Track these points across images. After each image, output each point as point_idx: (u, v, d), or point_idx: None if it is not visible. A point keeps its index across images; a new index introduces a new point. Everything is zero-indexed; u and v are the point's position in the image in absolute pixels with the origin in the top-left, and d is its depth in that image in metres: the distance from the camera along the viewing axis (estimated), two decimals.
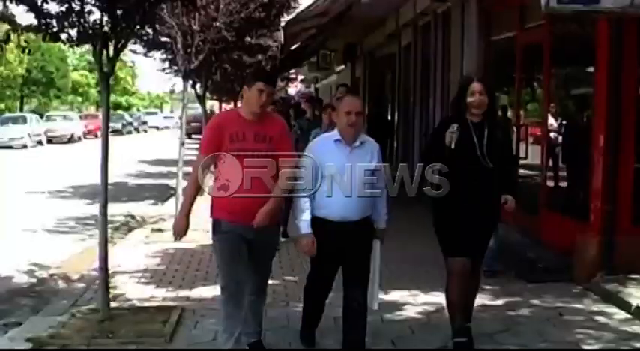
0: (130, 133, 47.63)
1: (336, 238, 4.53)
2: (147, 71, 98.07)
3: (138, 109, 69.71)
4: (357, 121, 4.55)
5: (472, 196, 4.68)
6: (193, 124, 23.81)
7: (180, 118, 11.02)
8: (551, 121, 8.31)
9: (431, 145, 4.90)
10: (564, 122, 8.35)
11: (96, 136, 37.29)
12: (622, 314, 5.82)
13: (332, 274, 4.75)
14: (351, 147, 4.56)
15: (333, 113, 4.72)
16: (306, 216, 4.54)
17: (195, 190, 4.63)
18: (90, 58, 53.06)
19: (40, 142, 33.82)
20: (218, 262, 4.68)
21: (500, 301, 6.18)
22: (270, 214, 4.45)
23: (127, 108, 67.06)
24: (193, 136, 23.73)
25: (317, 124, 8.36)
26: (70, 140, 36.40)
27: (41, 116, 38.12)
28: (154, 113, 67.21)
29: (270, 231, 4.61)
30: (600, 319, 5.70)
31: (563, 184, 8.36)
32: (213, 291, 6.41)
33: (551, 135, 8.27)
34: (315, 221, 4.55)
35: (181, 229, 4.69)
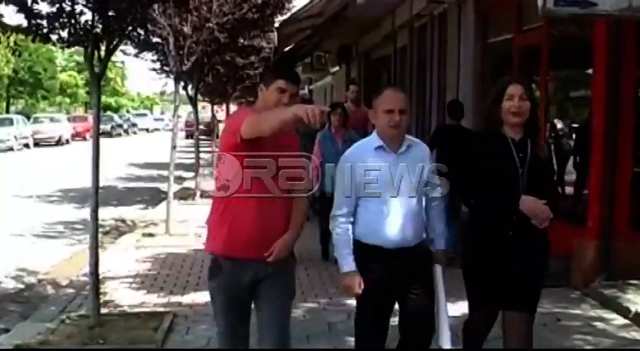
0: (119, 135, 47.54)
1: (389, 271, 3.76)
2: (137, 72, 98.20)
3: (127, 111, 69.60)
4: (402, 122, 3.78)
5: (512, 231, 3.84)
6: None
7: (173, 120, 11.04)
8: (551, 124, 8.36)
9: (466, 168, 3.94)
10: (562, 126, 8.41)
11: (84, 139, 37.28)
12: (621, 320, 5.86)
13: (387, 315, 3.92)
14: (397, 154, 3.80)
15: (370, 112, 3.93)
16: (347, 248, 3.79)
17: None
18: (79, 58, 53.14)
19: (26, 145, 33.70)
20: (217, 318, 3.77)
21: None
22: (292, 244, 3.65)
23: (117, 109, 66.94)
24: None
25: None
26: (58, 143, 36.30)
27: (28, 118, 38.02)
28: (144, 115, 67.10)
29: (288, 263, 3.71)
30: (598, 324, 5.75)
31: (561, 189, 8.42)
32: (205, 296, 6.40)
33: (549, 139, 8.32)
34: (361, 250, 3.80)
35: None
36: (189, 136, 27.38)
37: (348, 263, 3.77)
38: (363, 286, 3.74)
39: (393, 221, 3.74)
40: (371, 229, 3.77)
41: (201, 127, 26.77)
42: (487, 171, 3.82)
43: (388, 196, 3.74)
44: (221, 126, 23.16)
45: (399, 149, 3.81)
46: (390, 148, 3.81)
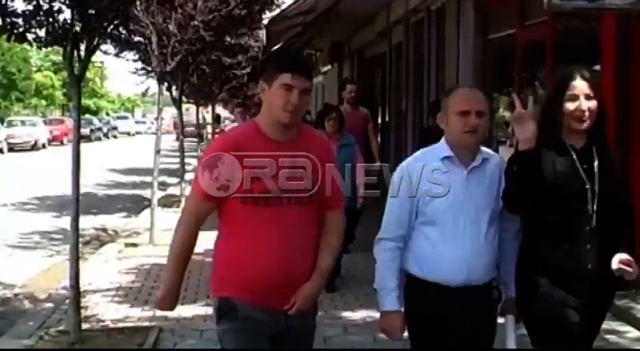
0: (99, 139, 47.51)
1: (448, 313, 3.19)
2: (117, 72, 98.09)
3: (107, 113, 69.54)
4: (479, 127, 3.17)
5: (576, 261, 3.18)
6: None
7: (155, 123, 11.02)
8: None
9: (521, 179, 3.13)
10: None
11: (62, 143, 37.23)
12: (635, 333, 5.85)
13: None
14: (469, 168, 3.20)
15: (438, 116, 3.37)
16: (392, 281, 3.23)
17: (183, 254, 3.16)
18: (55, 58, 52.99)
19: (0, 150, 33.61)
20: None
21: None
22: (317, 294, 3.16)
23: (96, 112, 66.86)
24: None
25: None
26: (34, 147, 36.22)
27: (1, 121, 37.93)
28: (125, 117, 67.07)
29: (310, 314, 3.22)
30: (611, 337, 5.72)
31: None
32: (192, 310, 6.42)
33: None
34: (412, 286, 3.26)
35: (169, 303, 3.20)
36: (183, 137, 27.39)
37: (390, 301, 3.21)
38: (406, 326, 3.24)
39: (459, 253, 3.15)
40: (429, 261, 3.19)
41: (191, 129, 26.80)
42: (545, 188, 3.13)
43: (454, 221, 3.17)
44: (209, 128, 23.24)
45: (471, 162, 3.21)
46: (461, 161, 3.20)
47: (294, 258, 3.02)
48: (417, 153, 3.39)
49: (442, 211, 3.17)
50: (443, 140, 3.28)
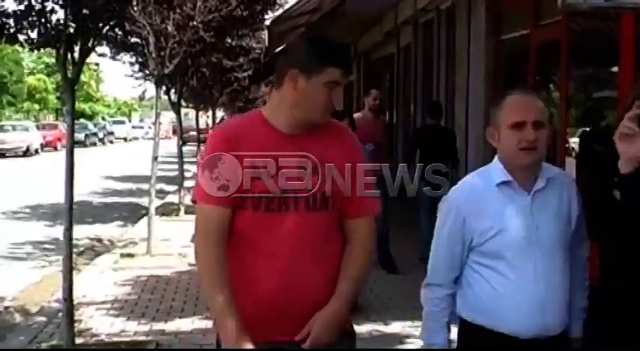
0: (94, 144, 47.55)
1: None
2: (113, 75, 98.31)
3: (103, 118, 69.65)
4: (539, 141, 2.71)
5: None
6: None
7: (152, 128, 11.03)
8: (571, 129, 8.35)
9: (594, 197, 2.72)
10: (585, 129, 8.40)
11: (55, 149, 37.29)
12: None
13: None
14: (532, 193, 2.77)
15: (488, 131, 2.87)
16: (440, 337, 2.84)
17: (221, 278, 2.63)
18: (48, 60, 53.16)
19: None
20: None
21: None
22: (337, 322, 2.68)
23: (91, 116, 67.03)
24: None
25: None
26: (26, 153, 36.23)
27: None
28: (122, 122, 67.19)
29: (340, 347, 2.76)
30: None
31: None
32: (190, 324, 6.41)
33: (573, 144, 8.31)
34: (470, 336, 2.83)
35: (245, 335, 2.58)
36: (184, 142, 27.42)
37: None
38: None
39: (530, 297, 2.69)
40: (490, 307, 2.73)
41: (194, 133, 26.96)
42: (622, 207, 2.66)
43: (521, 257, 2.71)
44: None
45: (534, 185, 2.78)
46: (522, 185, 2.77)
47: (300, 275, 2.62)
48: (466, 178, 2.97)
49: (505, 247, 2.72)
50: (496, 161, 2.83)
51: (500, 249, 2.72)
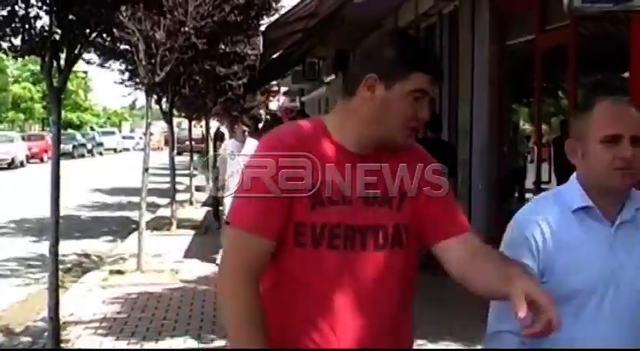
0: (82, 156, 47.54)
1: None
2: (102, 83, 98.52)
3: (92, 128, 69.69)
4: (636, 160, 2.28)
5: None
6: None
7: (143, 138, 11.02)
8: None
9: None
10: None
11: (42, 160, 37.24)
12: None
13: None
14: (616, 224, 2.34)
15: (567, 144, 2.41)
16: None
17: (255, 319, 2.12)
18: (34, 67, 53.20)
19: None
20: None
21: None
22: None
23: (79, 126, 67.07)
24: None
25: None
26: (11, 165, 36.17)
27: None
28: (112, 133, 67.27)
29: None
30: None
31: None
32: (182, 343, 6.39)
33: None
34: None
35: None
36: (180, 152, 27.43)
37: None
38: None
39: (606, 343, 2.29)
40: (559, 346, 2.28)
41: (193, 143, 26.96)
42: None
43: (598, 300, 2.31)
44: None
45: (618, 214, 2.34)
46: (605, 212, 2.34)
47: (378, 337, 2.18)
48: (537, 198, 2.56)
49: (578, 286, 2.30)
50: (574, 181, 2.41)
51: (571, 289, 2.30)
